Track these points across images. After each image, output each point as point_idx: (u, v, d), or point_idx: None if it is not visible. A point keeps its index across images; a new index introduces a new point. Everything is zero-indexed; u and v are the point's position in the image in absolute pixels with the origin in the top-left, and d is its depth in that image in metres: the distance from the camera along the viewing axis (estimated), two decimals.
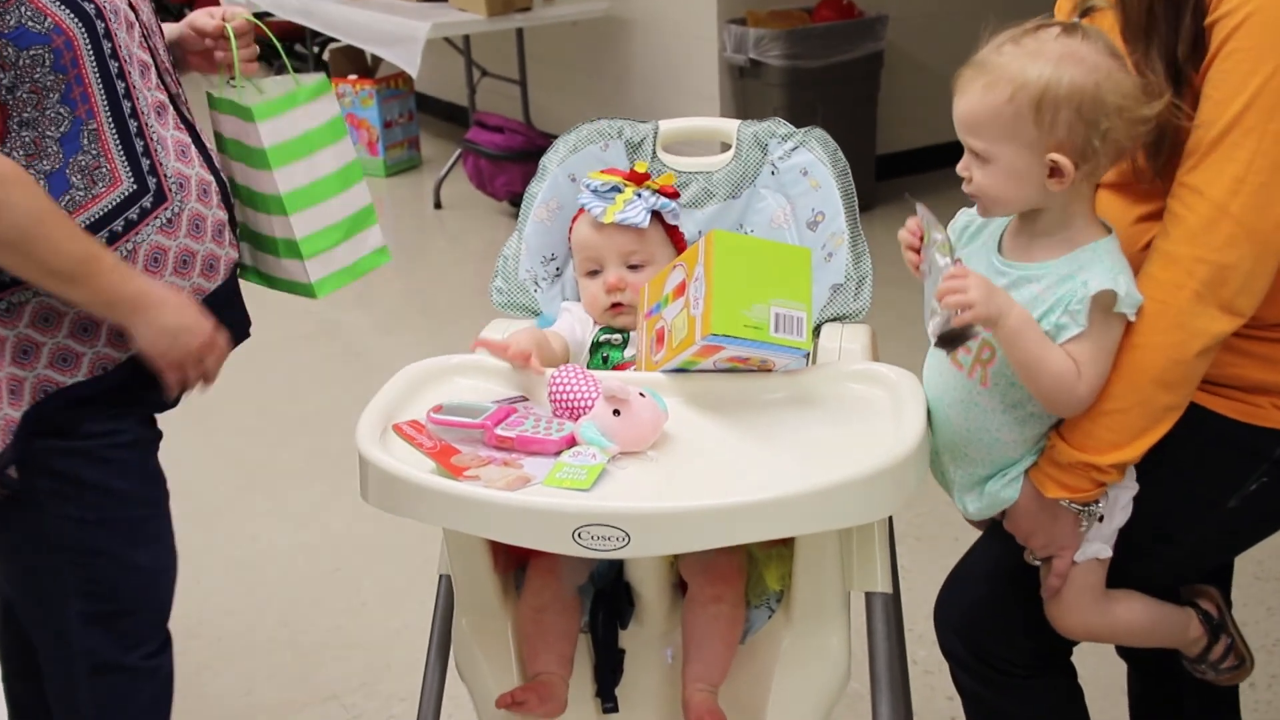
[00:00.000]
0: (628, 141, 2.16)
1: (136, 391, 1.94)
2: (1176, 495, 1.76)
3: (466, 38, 6.40)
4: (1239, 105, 1.54)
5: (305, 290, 2.19)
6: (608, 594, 1.94)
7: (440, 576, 1.99)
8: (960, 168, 1.67)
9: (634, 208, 1.98)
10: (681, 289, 1.82)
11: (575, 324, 2.01)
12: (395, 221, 6.50)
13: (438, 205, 6.59)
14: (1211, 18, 1.57)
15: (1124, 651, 2.18)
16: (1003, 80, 1.59)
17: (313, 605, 3.33)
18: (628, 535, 1.47)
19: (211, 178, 2.02)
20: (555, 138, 2.21)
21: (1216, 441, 1.72)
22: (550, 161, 2.16)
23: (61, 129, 1.83)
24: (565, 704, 1.87)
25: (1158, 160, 1.67)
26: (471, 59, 6.52)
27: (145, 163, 1.90)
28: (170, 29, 2.15)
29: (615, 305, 1.99)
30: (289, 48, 9.28)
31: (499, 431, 1.68)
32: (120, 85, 1.87)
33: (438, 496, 1.55)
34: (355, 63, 7.25)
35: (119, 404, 1.94)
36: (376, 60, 7.10)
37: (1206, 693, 2.01)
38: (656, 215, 2.01)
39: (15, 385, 1.84)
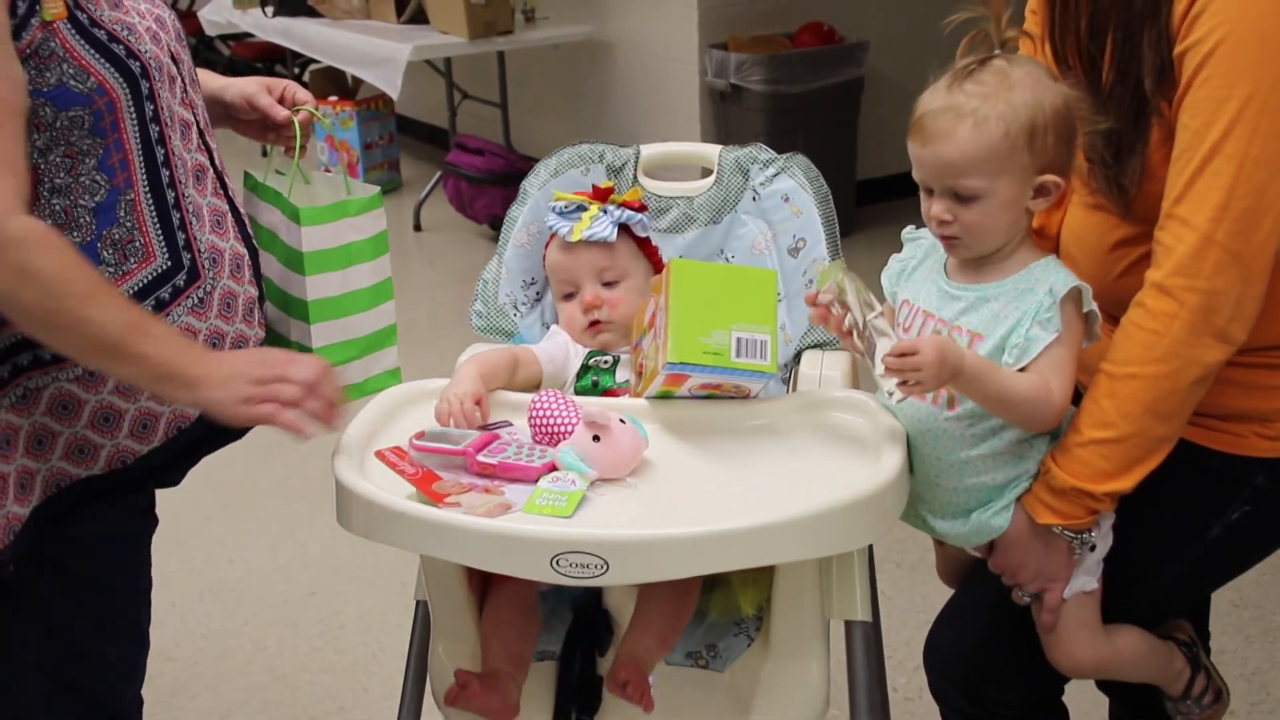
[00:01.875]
0: (609, 166, 2.16)
1: (147, 479, 1.84)
2: (1161, 527, 1.76)
3: (448, 60, 6.41)
4: (1218, 132, 1.55)
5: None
6: (585, 622, 1.93)
7: (417, 603, 1.98)
8: (938, 212, 1.67)
9: (600, 223, 1.99)
10: (654, 320, 1.83)
11: (563, 348, 2.00)
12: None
13: (417, 227, 6.58)
14: (1180, 47, 1.58)
15: (1105, 685, 2.18)
16: (991, 117, 1.61)
17: (289, 629, 3.31)
18: (606, 563, 1.46)
19: (245, 250, 1.91)
20: (536, 161, 2.20)
21: (1198, 472, 1.72)
22: (531, 185, 2.16)
23: (96, 198, 1.69)
24: (516, 709, 1.84)
25: (1125, 198, 1.68)
26: (452, 81, 6.53)
27: (180, 237, 1.78)
28: (217, 85, 2.01)
29: (594, 323, 1.99)
30: (269, 68, 9.28)
31: (481, 458, 1.67)
32: (160, 151, 1.75)
33: (414, 523, 1.54)
34: (336, 84, 7.25)
35: (126, 491, 1.83)
36: (357, 82, 7.11)
37: None
38: (625, 229, 2.01)
39: (26, 479, 1.71)
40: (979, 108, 1.61)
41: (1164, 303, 1.59)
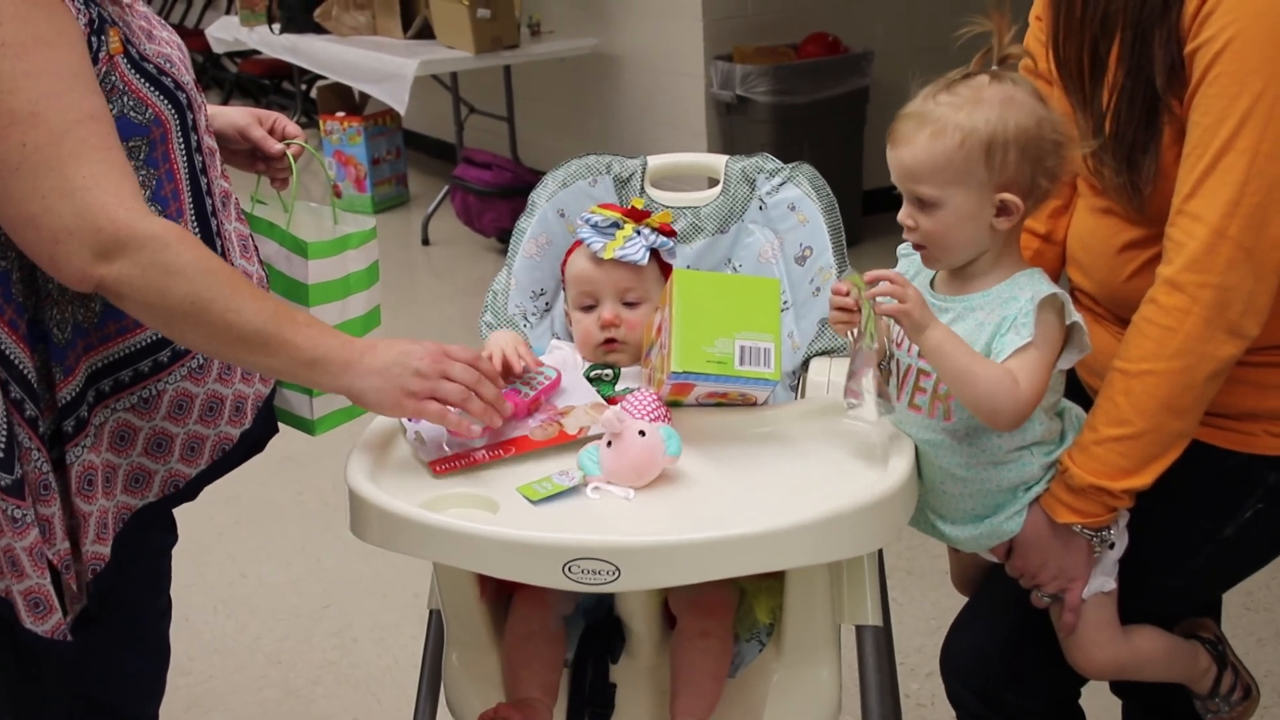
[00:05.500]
0: (616, 177, 2.17)
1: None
2: (1174, 528, 1.77)
3: (454, 75, 6.43)
4: (1229, 129, 1.56)
5: (304, 425, 2.08)
6: (597, 629, 1.94)
7: (431, 612, 1.98)
8: (903, 217, 1.70)
9: (634, 245, 1.98)
10: (660, 330, 1.84)
11: (562, 364, 2.01)
12: (383, 258, 6.46)
13: (426, 241, 6.60)
14: (1191, 46, 1.59)
15: (1118, 688, 2.18)
16: (950, 127, 1.63)
17: (303, 642, 3.32)
18: (618, 569, 1.47)
19: (264, 272, 1.95)
20: (543, 174, 2.21)
21: (1210, 471, 1.73)
22: (539, 197, 2.17)
23: None
24: None
25: (1139, 199, 1.69)
26: (459, 96, 6.55)
27: None
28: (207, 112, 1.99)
29: (609, 341, 1.99)
30: (276, 85, 9.31)
31: (522, 395, 1.78)
32: (203, 180, 1.79)
33: (428, 531, 1.54)
34: (343, 100, 7.28)
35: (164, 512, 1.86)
36: (364, 97, 7.13)
37: None
38: (653, 254, 2.02)
39: (105, 518, 1.74)
40: (942, 116, 1.63)
41: (1177, 298, 1.60)
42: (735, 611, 1.93)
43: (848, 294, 1.69)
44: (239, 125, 2.04)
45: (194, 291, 1.58)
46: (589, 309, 2.01)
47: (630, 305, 2.00)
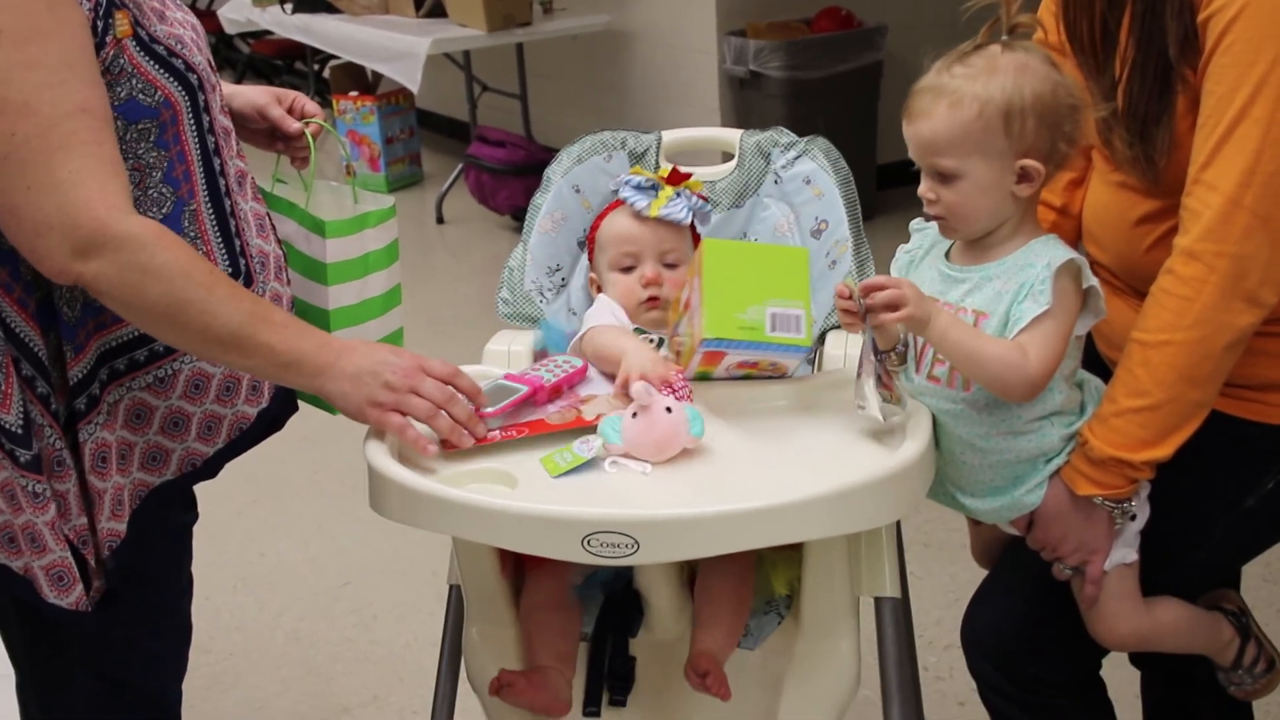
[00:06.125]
0: (631, 152, 2.17)
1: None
2: (1195, 499, 1.77)
3: (467, 53, 6.42)
4: (1243, 97, 1.55)
5: (323, 404, 2.04)
6: (616, 603, 1.94)
7: (450, 587, 1.99)
8: (923, 191, 1.70)
9: (677, 204, 1.99)
10: (689, 303, 1.84)
11: (612, 316, 2.00)
12: (398, 237, 6.50)
13: (440, 220, 6.60)
14: (1204, 14, 1.58)
15: (1138, 659, 2.18)
16: (967, 98, 1.63)
17: (323, 619, 3.34)
18: (637, 543, 1.47)
19: (282, 252, 1.94)
20: (557, 151, 2.21)
21: (1231, 442, 1.73)
22: (554, 173, 2.17)
23: (164, 210, 1.71)
24: (568, 705, 1.86)
25: (1154, 170, 1.69)
26: (472, 74, 6.54)
27: (236, 243, 1.81)
28: (225, 93, 1.96)
29: (651, 299, 1.99)
30: (289, 65, 9.31)
31: (546, 383, 1.78)
32: (216, 161, 1.78)
33: (448, 506, 1.55)
34: (356, 79, 7.28)
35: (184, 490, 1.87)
36: (377, 76, 7.13)
37: (1222, 698, 2.01)
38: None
39: (120, 495, 1.74)
40: (958, 88, 1.63)
41: (1193, 268, 1.60)
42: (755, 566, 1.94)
43: (850, 297, 1.69)
44: (258, 104, 2.04)
45: (169, 292, 1.59)
46: (628, 270, 2.01)
47: (670, 266, 2.00)
